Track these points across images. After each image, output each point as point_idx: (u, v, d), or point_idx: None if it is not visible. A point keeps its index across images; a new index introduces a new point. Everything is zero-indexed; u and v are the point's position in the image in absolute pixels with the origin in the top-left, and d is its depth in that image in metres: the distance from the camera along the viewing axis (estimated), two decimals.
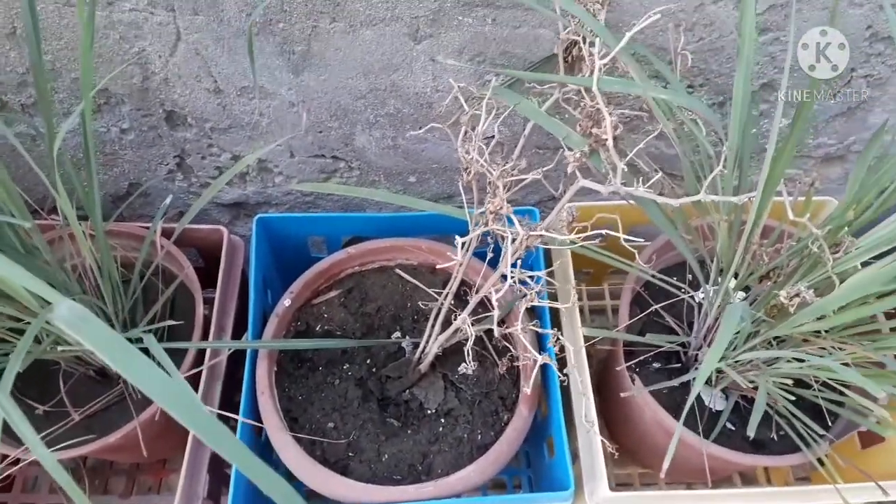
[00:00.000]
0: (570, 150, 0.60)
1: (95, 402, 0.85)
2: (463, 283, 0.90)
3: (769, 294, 0.74)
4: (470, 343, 0.75)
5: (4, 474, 0.82)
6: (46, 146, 0.65)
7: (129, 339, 0.77)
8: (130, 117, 0.84)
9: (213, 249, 0.93)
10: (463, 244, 0.72)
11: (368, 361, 0.89)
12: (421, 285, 0.94)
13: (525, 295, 0.80)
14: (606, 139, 0.57)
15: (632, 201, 0.70)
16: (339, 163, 0.94)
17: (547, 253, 0.94)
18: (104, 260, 0.80)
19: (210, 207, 1.02)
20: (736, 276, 0.80)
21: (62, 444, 0.81)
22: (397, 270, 0.95)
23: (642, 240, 0.64)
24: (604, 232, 0.61)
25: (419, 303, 0.93)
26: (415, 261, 0.96)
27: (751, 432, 0.65)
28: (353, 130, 0.88)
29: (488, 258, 0.81)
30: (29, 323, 0.75)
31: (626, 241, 0.60)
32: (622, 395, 0.80)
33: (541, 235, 0.63)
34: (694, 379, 0.85)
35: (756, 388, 0.79)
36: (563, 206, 0.63)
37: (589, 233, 0.62)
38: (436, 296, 0.84)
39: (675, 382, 0.78)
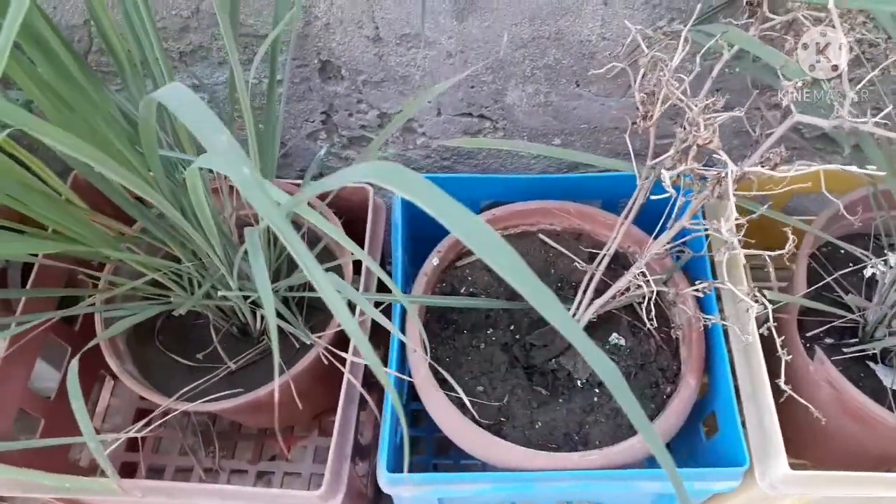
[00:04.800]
0: (787, 81, 0.55)
1: (239, 358, 0.84)
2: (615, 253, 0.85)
3: None
4: (649, 300, 0.70)
5: (150, 429, 0.81)
6: (229, 96, 0.63)
7: (276, 290, 0.74)
8: (285, 67, 0.83)
9: (353, 209, 0.91)
10: (641, 187, 0.67)
11: (512, 328, 0.86)
12: (567, 252, 0.90)
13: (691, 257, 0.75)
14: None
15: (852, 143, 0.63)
16: (484, 122, 0.91)
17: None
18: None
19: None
20: None
21: (209, 397, 0.79)
22: (540, 235, 0.91)
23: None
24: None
25: (565, 268, 0.89)
26: (559, 227, 0.92)
27: None
28: (506, 85, 0.84)
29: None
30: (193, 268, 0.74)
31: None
32: (811, 368, 0.74)
33: (747, 173, 0.58)
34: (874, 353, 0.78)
35: None
36: (773, 142, 0.58)
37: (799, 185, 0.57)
38: (586, 262, 0.80)
39: (871, 349, 0.71)
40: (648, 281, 0.68)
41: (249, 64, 0.83)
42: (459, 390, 0.72)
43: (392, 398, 0.74)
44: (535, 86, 0.84)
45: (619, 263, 0.87)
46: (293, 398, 0.81)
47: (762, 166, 0.59)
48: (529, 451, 0.72)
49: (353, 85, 0.85)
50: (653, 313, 0.82)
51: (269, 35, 0.77)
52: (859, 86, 0.52)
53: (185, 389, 0.80)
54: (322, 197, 0.89)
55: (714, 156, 0.59)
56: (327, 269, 0.83)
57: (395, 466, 0.77)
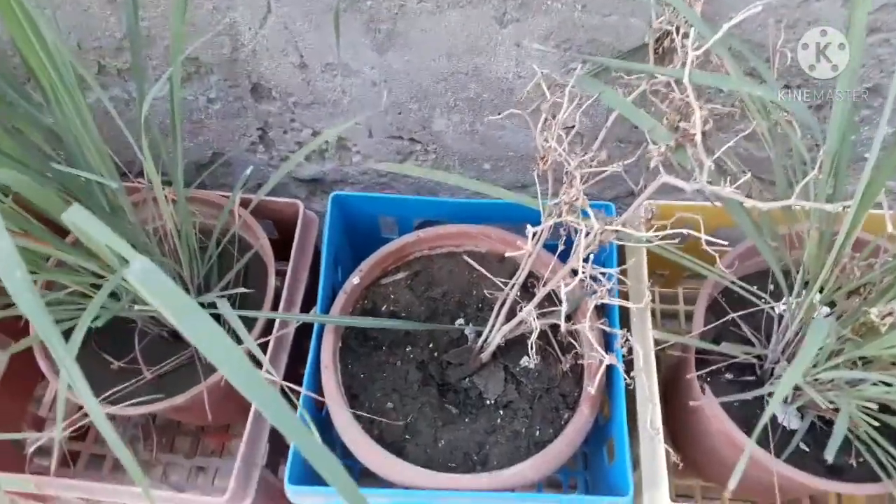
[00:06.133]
0: (654, 144, 0.58)
1: (166, 363, 0.88)
2: (531, 274, 0.88)
3: (858, 311, 0.70)
4: (534, 336, 0.73)
5: (79, 424, 0.85)
6: (137, 111, 0.67)
7: (203, 304, 0.79)
8: (218, 87, 0.86)
9: (289, 223, 0.94)
10: (534, 234, 0.70)
11: (431, 345, 0.89)
12: (488, 274, 0.93)
13: (595, 292, 0.77)
14: (695, 134, 0.54)
15: (716, 202, 0.67)
16: (415, 145, 0.94)
17: (621, 251, 0.91)
18: (184, 225, 0.82)
19: (288, 182, 1.04)
20: (822, 289, 0.75)
21: (132, 401, 0.84)
22: (465, 257, 0.94)
23: (726, 243, 0.61)
24: (685, 232, 0.58)
25: (484, 291, 0.92)
26: (483, 248, 0.95)
27: (829, 457, 0.61)
28: (431, 113, 0.87)
29: (559, 251, 0.79)
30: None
31: (709, 243, 0.57)
32: (691, 403, 0.77)
33: (616, 230, 0.61)
34: (769, 394, 0.81)
35: (836, 409, 0.75)
36: (643, 201, 0.61)
37: (668, 231, 0.59)
38: (502, 285, 0.83)
39: (749, 396, 0.75)
40: (534, 318, 0.71)
41: (185, 82, 0.87)
42: (347, 413, 0.76)
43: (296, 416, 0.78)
44: (459, 115, 0.87)
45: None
46: (218, 400, 0.86)
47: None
48: (422, 470, 0.76)
49: (284, 105, 0.88)
50: (566, 341, 0.86)
51: (199, 57, 0.80)
52: (714, 156, 0.55)
53: (111, 391, 0.84)
54: (260, 212, 0.93)
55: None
56: (251, 287, 0.86)
57: (305, 477, 0.82)
